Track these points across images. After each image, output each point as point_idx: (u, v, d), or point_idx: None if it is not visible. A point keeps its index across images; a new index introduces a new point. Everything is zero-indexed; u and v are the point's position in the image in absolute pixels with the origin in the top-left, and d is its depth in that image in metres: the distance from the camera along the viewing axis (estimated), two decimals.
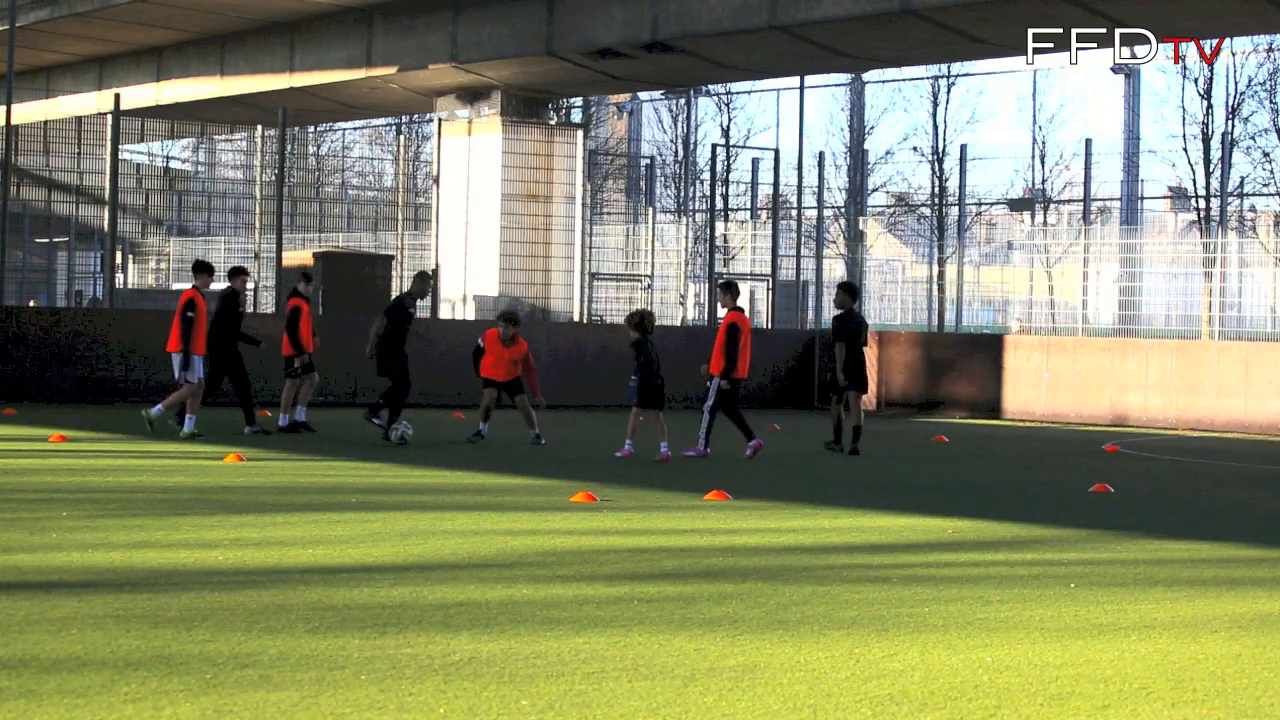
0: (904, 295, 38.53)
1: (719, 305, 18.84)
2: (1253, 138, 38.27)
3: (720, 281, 21.41)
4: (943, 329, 33.99)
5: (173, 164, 54.98)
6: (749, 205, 44.59)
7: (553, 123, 36.00)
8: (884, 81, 45.64)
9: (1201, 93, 37.84)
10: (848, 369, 19.21)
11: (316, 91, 35.96)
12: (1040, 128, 41.83)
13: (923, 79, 44.36)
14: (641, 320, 17.60)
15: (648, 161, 42.28)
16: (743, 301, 39.37)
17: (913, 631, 7.60)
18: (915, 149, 44.51)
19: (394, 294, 29.42)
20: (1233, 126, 37.37)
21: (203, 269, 18.90)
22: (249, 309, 33.76)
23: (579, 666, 6.56)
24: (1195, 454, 21.57)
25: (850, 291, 19.93)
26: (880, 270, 41.29)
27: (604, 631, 7.34)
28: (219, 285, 20.91)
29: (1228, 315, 29.33)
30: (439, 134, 31.16)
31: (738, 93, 48.19)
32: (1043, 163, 41.71)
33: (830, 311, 36.60)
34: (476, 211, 33.70)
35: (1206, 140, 37.37)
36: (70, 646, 6.63)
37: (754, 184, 43.61)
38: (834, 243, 41.85)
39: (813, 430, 24.43)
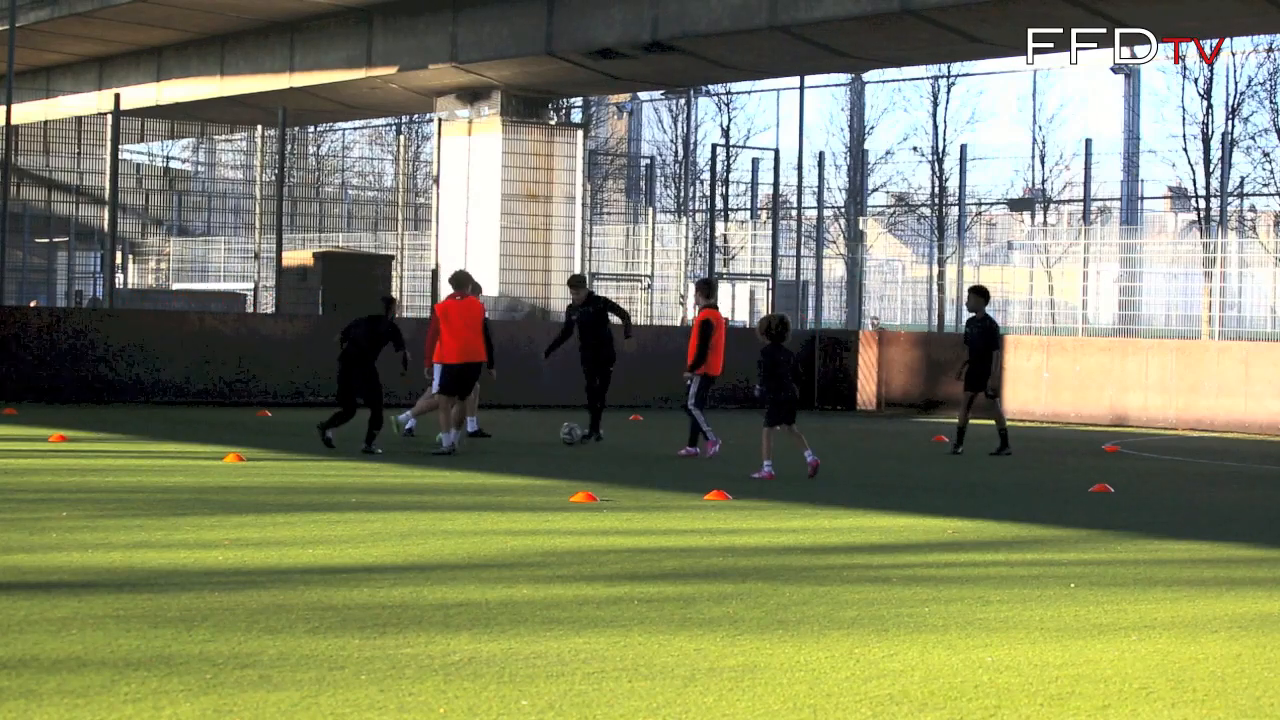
0: (904, 295, 38.47)
1: (694, 304, 18.62)
2: (1253, 138, 38.27)
3: (697, 280, 21.39)
4: (943, 329, 33.96)
5: (173, 164, 54.92)
6: (749, 205, 44.56)
7: (553, 123, 35.98)
8: (884, 81, 45.63)
9: (1201, 93, 37.85)
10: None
11: (316, 91, 35.93)
12: (1040, 128, 41.82)
13: (923, 79, 44.36)
14: (769, 327, 15.94)
15: (648, 161, 42.25)
16: (743, 301, 39.73)
17: (913, 631, 7.60)
18: (915, 149, 44.50)
19: (394, 293, 29.46)
20: (1233, 126, 37.35)
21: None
22: (251, 309, 33.82)
23: (579, 666, 6.55)
24: (1195, 454, 21.55)
25: (982, 294, 20.64)
26: (880, 270, 41.22)
27: (604, 631, 7.34)
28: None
29: (1228, 315, 29.30)
30: (439, 134, 31.14)
31: (738, 93, 48.16)
32: (1043, 163, 41.69)
33: (831, 312, 36.81)
34: (476, 211, 33.67)
35: (1206, 140, 37.36)
36: (70, 646, 6.63)
37: (754, 184, 43.57)
38: (834, 243, 41.80)
39: (812, 431, 24.38)
